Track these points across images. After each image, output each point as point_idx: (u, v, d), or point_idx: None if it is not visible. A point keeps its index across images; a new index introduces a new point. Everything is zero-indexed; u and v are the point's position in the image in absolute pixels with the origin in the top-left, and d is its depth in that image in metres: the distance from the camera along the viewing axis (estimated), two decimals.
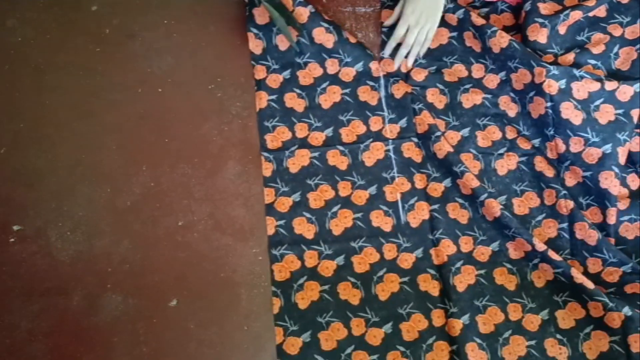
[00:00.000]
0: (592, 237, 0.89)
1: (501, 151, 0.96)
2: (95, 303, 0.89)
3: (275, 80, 1.00)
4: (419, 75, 1.00)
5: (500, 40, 0.95)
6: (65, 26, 1.03)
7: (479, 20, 0.98)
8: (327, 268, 0.91)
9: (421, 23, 0.96)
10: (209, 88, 1.00)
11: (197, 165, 0.96)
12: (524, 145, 0.96)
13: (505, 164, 0.95)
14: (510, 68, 0.96)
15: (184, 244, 0.91)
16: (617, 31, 0.96)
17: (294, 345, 0.88)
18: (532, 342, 0.87)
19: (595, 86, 0.91)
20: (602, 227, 0.90)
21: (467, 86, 0.99)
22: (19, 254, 0.91)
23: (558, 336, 0.87)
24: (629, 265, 0.87)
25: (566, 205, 0.91)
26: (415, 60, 0.99)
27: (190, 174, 0.95)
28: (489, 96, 0.98)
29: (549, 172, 0.94)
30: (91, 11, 1.04)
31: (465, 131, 0.97)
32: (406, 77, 1.00)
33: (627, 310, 0.83)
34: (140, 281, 0.90)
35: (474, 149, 0.96)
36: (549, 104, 0.92)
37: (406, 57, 0.99)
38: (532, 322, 0.88)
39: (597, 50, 0.95)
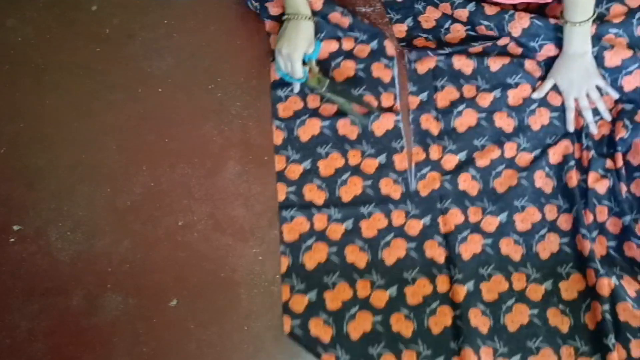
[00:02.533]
0: (604, 185, 0.91)
1: (533, 107, 0.97)
2: (95, 303, 0.89)
3: None
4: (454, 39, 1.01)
5: (521, 22, 0.95)
6: (65, 26, 1.03)
7: (492, 10, 0.98)
8: (336, 231, 0.92)
9: (582, 88, 0.93)
10: (209, 88, 1.00)
11: (197, 165, 0.96)
12: (554, 101, 0.97)
13: (539, 120, 0.96)
14: (535, 48, 0.97)
15: (184, 244, 0.91)
16: (634, 2, 0.96)
17: (299, 304, 0.88)
18: (535, 311, 0.87)
19: (628, 53, 0.92)
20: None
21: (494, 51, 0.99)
22: (19, 254, 0.91)
23: (561, 306, 0.87)
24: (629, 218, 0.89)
25: (587, 157, 0.93)
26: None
27: (190, 174, 0.95)
28: (515, 60, 0.99)
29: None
30: (91, 11, 1.04)
31: (497, 92, 0.98)
32: (439, 44, 1.00)
33: (615, 280, 0.84)
34: (140, 281, 0.90)
35: (507, 108, 0.97)
36: None
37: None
38: (536, 291, 0.88)
39: (617, 20, 0.96)
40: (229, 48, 1.02)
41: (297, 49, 0.89)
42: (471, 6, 0.99)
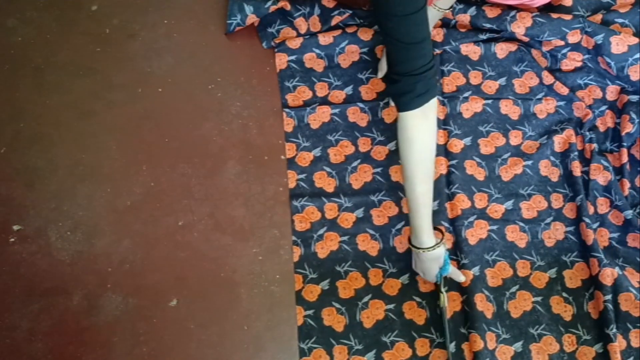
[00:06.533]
0: (606, 177, 0.92)
1: (539, 96, 0.98)
2: (95, 303, 0.89)
3: (295, 42, 1.00)
4: (462, 28, 1.01)
5: (524, 21, 0.96)
6: (65, 26, 1.03)
7: (493, 12, 0.98)
8: (347, 220, 0.93)
9: None
10: (209, 88, 1.00)
11: (197, 165, 0.96)
12: (561, 90, 0.98)
13: (544, 108, 0.98)
14: (540, 42, 0.98)
15: (184, 244, 0.91)
16: None
17: (312, 292, 0.89)
18: (539, 299, 0.88)
19: (634, 40, 0.93)
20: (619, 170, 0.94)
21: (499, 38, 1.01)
22: (19, 254, 0.91)
23: (564, 294, 0.88)
24: (630, 212, 0.90)
25: (590, 149, 0.94)
26: None
27: (190, 173, 0.95)
28: (522, 46, 1.00)
29: (584, 118, 0.96)
30: (91, 11, 1.04)
31: (502, 80, 0.99)
32: (448, 32, 1.00)
33: (618, 270, 0.85)
34: (140, 281, 0.90)
35: (513, 96, 0.98)
36: (586, 56, 0.97)
37: None
38: (540, 279, 0.89)
39: (624, 9, 0.97)
40: (229, 48, 1.02)
41: (428, 275, 0.88)
42: (472, 10, 0.99)
